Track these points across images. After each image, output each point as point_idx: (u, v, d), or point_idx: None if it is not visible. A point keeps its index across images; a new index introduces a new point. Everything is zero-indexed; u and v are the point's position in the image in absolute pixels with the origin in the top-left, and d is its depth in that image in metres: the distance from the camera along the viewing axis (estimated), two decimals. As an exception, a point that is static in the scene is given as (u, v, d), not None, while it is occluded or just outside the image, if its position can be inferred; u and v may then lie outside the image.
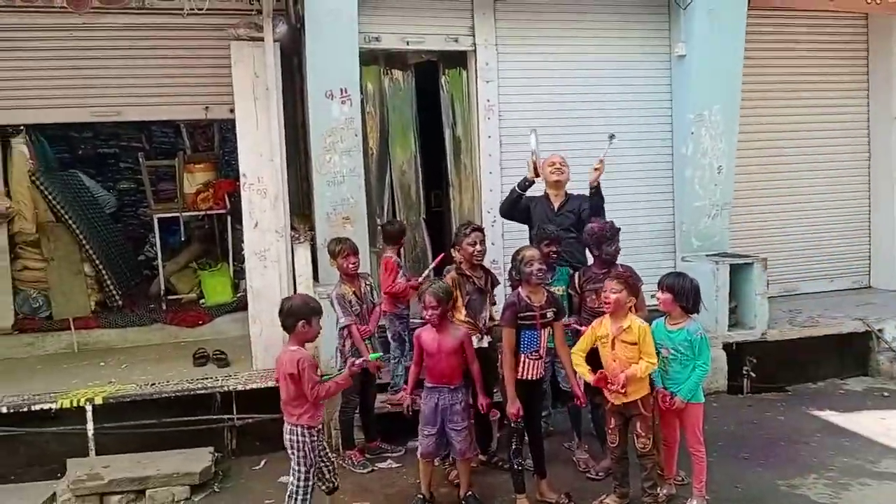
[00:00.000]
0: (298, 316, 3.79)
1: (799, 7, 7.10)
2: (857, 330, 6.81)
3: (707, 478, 4.26)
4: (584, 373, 4.18)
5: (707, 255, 6.76)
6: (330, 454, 4.04)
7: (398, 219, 6.46)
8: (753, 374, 6.41)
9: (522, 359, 4.18)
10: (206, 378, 5.42)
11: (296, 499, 3.81)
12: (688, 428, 4.23)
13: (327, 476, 3.98)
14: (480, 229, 4.76)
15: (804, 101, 7.80)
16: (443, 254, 5.60)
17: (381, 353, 4.39)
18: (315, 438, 3.82)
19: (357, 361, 4.02)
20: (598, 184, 5.20)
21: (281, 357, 3.83)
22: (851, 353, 6.86)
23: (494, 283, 4.92)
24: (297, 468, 3.82)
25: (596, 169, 5.19)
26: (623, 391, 4.04)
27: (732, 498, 4.40)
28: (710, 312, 6.20)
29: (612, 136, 5.44)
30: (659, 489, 4.25)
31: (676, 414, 4.22)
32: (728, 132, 6.86)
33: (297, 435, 3.78)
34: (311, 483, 3.84)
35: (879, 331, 6.81)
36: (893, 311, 7.18)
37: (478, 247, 4.63)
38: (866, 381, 6.72)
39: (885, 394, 6.36)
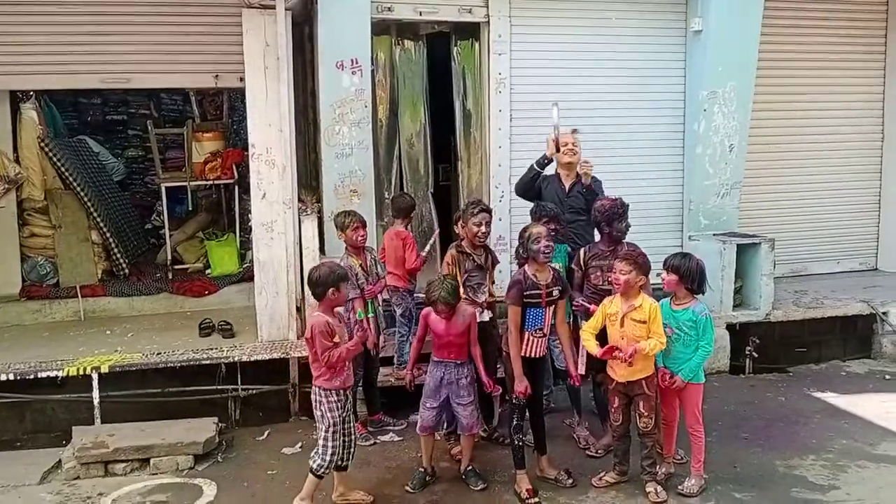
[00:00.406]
0: (328, 284, 3.93)
1: (818, -18, 6.99)
2: (861, 312, 6.80)
3: (706, 457, 4.29)
4: (592, 347, 4.19)
5: (714, 235, 6.74)
6: (353, 431, 4.09)
7: (406, 192, 6.43)
8: (756, 355, 6.43)
9: (527, 336, 4.19)
10: (212, 348, 5.46)
11: (318, 454, 3.95)
12: (687, 408, 4.25)
13: (341, 451, 4.01)
14: (488, 210, 4.73)
15: (819, 82, 7.71)
16: (437, 231, 5.72)
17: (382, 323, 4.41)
18: (334, 400, 3.93)
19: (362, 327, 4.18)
20: (591, 181, 5.09)
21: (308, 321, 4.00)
22: (855, 335, 6.87)
23: (494, 261, 4.92)
24: (318, 426, 3.98)
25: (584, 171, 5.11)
26: (629, 361, 4.05)
27: (730, 478, 4.43)
28: (715, 292, 6.20)
29: (555, 104, 5.28)
30: (658, 467, 4.29)
31: (677, 393, 4.24)
32: (741, 110, 6.80)
33: (316, 395, 3.98)
34: (335, 444, 3.92)
35: (884, 313, 6.80)
36: (899, 294, 7.16)
37: (483, 228, 4.62)
38: (869, 364, 6.73)
39: (887, 377, 6.37)
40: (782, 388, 6.10)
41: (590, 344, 4.22)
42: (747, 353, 6.43)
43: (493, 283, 5.05)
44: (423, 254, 5.38)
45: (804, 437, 5.05)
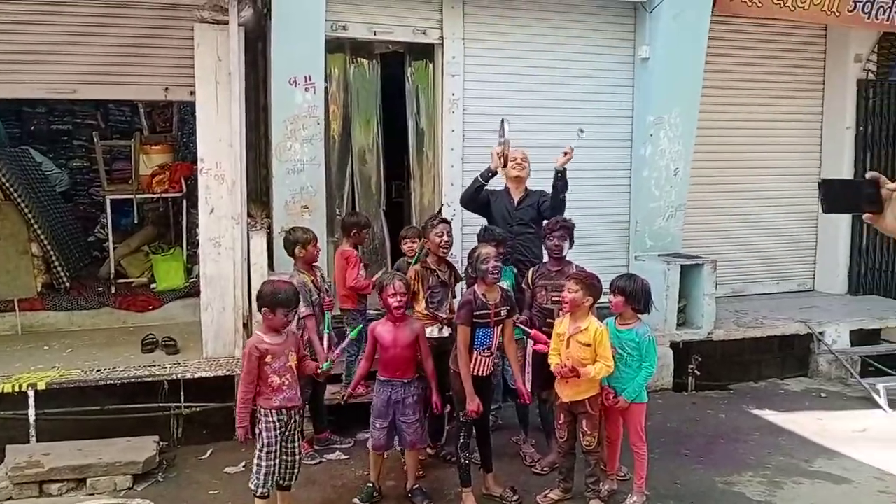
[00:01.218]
0: (261, 303, 3.88)
1: (761, 16, 7.23)
2: (799, 332, 7.04)
3: (648, 474, 4.37)
4: (557, 364, 4.23)
5: (660, 255, 6.90)
6: (296, 452, 4.02)
7: (357, 210, 6.42)
8: (698, 373, 6.60)
9: (475, 356, 4.22)
10: (154, 365, 5.34)
11: (253, 474, 3.90)
12: (630, 426, 4.34)
13: (281, 471, 3.96)
14: (447, 221, 4.79)
15: (760, 108, 7.99)
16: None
17: (331, 362, 4.33)
18: (272, 420, 3.86)
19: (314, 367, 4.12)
20: (565, 169, 5.20)
21: None
22: (793, 354, 7.09)
23: (457, 278, 4.96)
24: (257, 446, 3.90)
25: (565, 153, 5.19)
26: (567, 378, 4.11)
27: (671, 494, 4.52)
28: (659, 311, 6.34)
29: (581, 131, 5.54)
30: (601, 484, 4.36)
31: (620, 412, 4.32)
32: (686, 135, 6.99)
33: (259, 414, 3.90)
34: (269, 464, 3.86)
35: (820, 333, 7.04)
36: (834, 314, 7.44)
37: (445, 237, 4.66)
38: (805, 382, 6.95)
39: (823, 395, 6.60)
40: (723, 405, 6.26)
41: (553, 360, 4.28)
42: (690, 370, 6.59)
43: (455, 298, 5.08)
44: (373, 278, 5.37)
45: (743, 453, 5.18)
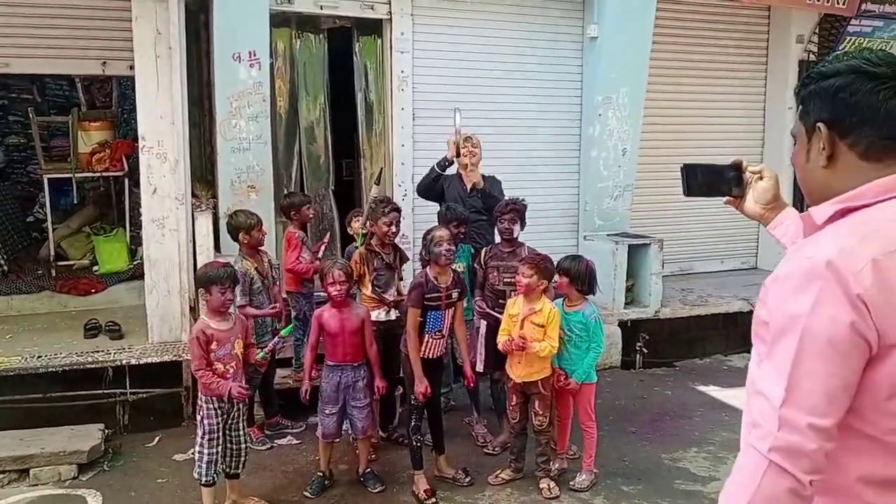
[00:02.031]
0: (198, 284, 3.87)
1: (707, -5, 7.34)
2: (742, 309, 7.21)
3: (597, 451, 4.46)
4: (504, 342, 4.27)
5: (608, 235, 6.99)
6: (242, 440, 3.98)
7: (297, 191, 6.29)
8: (646, 351, 6.73)
9: (426, 338, 4.23)
10: (98, 351, 5.20)
11: (196, 462, 3.86)
12: (580, 406, 4.41)
13: (227, 459, 3.93)
14: (398, 209, 4.73)
15: (706, 88, 8.10)
16: (328, 233, 5.85)
17: (264, 353, 4.24)
18: (214, 407, 3.81)
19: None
20: (484, 186, 5.17)
21: None
22: (737, 331, 7.27)
23: (403, 259, 4.93)
24: (197, 433, 3.85)
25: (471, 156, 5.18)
26: (517, 351, 4.16)
27: (619, 471, 4.62)
28: (608, 290, 6.45)
29: (457, 110, 5.46)
30: (552, 464, 4.43)
31: (571, 393, 4.38)
32: (634, 115, 7.06)
33: (200, 401, 3.85)
34: (210, 452, 3.81)
35: (762, 310, 7.23)
36: (776, 291, 7.63)
37: (393, 227, 4.62)
38: (748, 358, 7.09)
39: (764, 370, 6.79)
40: (669, 382, 6.42)
41: (502, 339, 4.30)
42: (637, 348, 6.72)
43: (402, 280, 5.05)
44: (311, 255, 5.30)
45: (688, 430, 5.33)
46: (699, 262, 8.38)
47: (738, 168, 1.91)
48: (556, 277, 4.35)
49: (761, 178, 1.89)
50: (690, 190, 1.92)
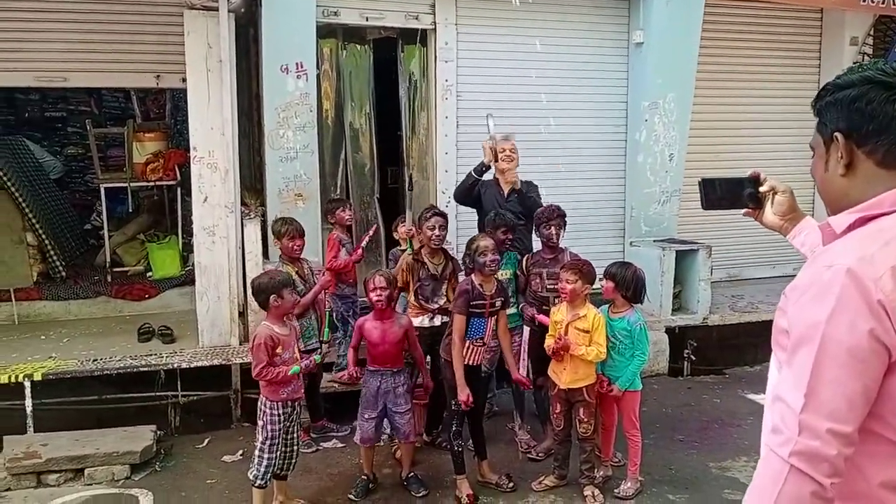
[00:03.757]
0: (268, 292, 3.90)
1: (756, -1, 7.21)
2: (793, 316, 7.03)
3: (643, 459, 4.41)
4: (550, 344, 4.27)
5: (655, 241, 6.91)
6: (295, 443, 4.06)
7: (340, 196, 6.37)
8: (694, 358, 6.62)
9: (467, 345, 4.24)
10: (151, 354, 5.36)
11: (253, 465, 3.94)
12: (625, 414, 4.37)
13: (280, 461, 3.99)
14: (442, 214, 4.76)
15: (756, 92, 7.92)
16: (375, 226, 5.70)
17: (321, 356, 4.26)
18: (278, 413, 3.90)
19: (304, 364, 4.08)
20: (520, 189, 5.14)
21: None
22: (788, 338, 7.08)
23: (456, 269, 4.86)
24: (258, 437, 3.94)
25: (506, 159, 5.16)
26: (562, 352, 4.15)
27: (665, 479, 4.56)
28: (655, 297, 6.37)
29: (489, 116, 5.50)
30: (596, 471, 4.39)
31: (614, 399, 4.34)
32: (681, 120, 6.97)
33: (260, 404, 3.95)
34: (270, 456, 3.90)
35: (814, 317, 7.04)
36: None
37: (437, 231, 4.64)
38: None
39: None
40: (718, 389, 6.30)
41: (548, 342, 4.31)
42: (685, 355, 6.62)
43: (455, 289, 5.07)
44: (359, 250, 5.35)
45: (737, 438, 5.22)
46: (749, 268, 8.19)
47: (755, 181, 1.92)
48: (603, 282, 4.32)
49: (775, 193, 1.91)
50: (709, 203, 1.94)
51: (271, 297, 3.89)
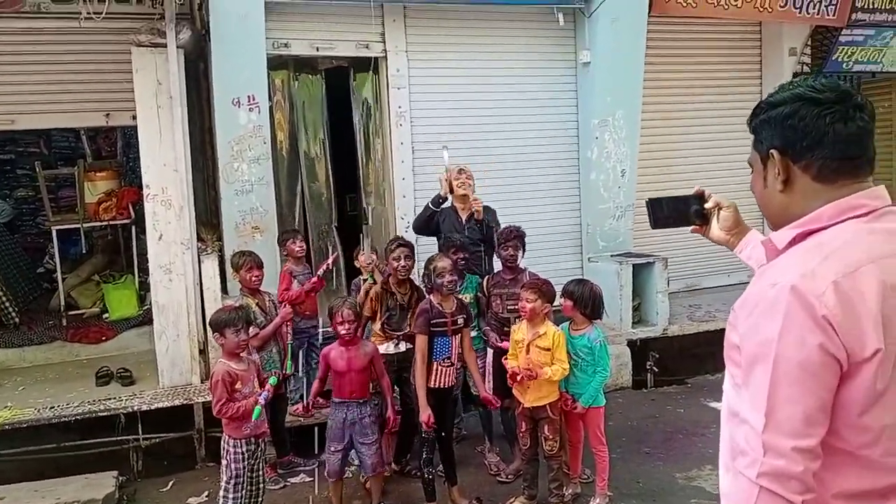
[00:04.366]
0: (213, 328, 3.91)
1: (696, 15, 7.39)
2: (751, 323, 7.18)
3: (610, 474, 4.45)
4: (513, 365, 4.28)
5: (612, 256, 7.01)
6: (261, 480, 4.01)
7: (293, 227, 6.34)
8: (656, 369, 6.72)
9: (435, 366, 4.26)
10: (110, 398, 5.24)
11: None
12: (590, 429, 4.41)
13: (246, 500, 3.93)
14: (407, 244, 4.78)
15: (702, 105, 8.15)
16: (336, 254, 5.70)
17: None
18: (242, 451, 3.85)
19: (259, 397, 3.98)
20: (482, 217, 5.18)
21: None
22: (747, 345, 7.23)
23: (421, 299, 4.83)
24: (223, 477, 3.88)
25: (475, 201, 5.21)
26: (526, 381, 4.16)
27: (634, 493, 4.60)
28: (615, 311, 6.46)
29: (445, 147, 5.62)
30: (565, 489, 4.41)
31: (579, 416, 4.38)
32: (630, 137, 7.12)
33: (223, 443, 3.90)
34: (236, 496, 3.84)
35: (771, 323, 7.20)
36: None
37: (402, 262, 4.67)
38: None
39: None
40: (681, 399, 6.39)
41: (510, 364, 4.32)
42: (648, 367, 6.70)
43: None
44: (318, 275, 5.31)
45: (701, 447, 5.28)
46: (706, 278, 8.35)
47: (700, 197, 1.96)
48: (561, 300, 4.38)
49: (720, 209, 1.96)
50: (657, 223, 1.98)
51: (215, 334, 3.88)
